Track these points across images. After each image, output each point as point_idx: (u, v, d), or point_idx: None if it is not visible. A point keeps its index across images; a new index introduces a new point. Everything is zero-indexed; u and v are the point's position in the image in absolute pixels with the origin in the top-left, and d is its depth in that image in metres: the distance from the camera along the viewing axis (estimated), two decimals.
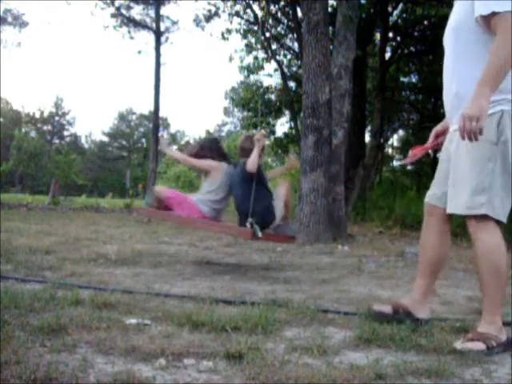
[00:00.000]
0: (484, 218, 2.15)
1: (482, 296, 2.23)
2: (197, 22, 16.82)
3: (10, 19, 21.42)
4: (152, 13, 17.51)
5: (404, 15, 14.49)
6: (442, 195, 2.38)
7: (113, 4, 16.82)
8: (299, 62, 14.39)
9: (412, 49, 15.18)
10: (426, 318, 2.46)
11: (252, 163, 3.95)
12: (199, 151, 4.41)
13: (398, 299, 2.62)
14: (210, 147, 4.46)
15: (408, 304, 2.48)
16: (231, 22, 15.47)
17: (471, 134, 2.01)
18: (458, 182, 2.21)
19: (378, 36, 14.49)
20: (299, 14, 12.61)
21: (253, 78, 17.00)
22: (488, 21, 2.11)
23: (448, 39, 2.33)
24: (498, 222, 2.18)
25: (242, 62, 15.97)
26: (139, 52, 18.33)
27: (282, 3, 14.29)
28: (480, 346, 2.05)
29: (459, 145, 2.21)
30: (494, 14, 2.07)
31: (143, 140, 57.89)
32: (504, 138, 2.13)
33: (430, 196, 2.47)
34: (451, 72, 2.27)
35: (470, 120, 2.00)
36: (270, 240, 4.42)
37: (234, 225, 4.35)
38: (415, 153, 2.65)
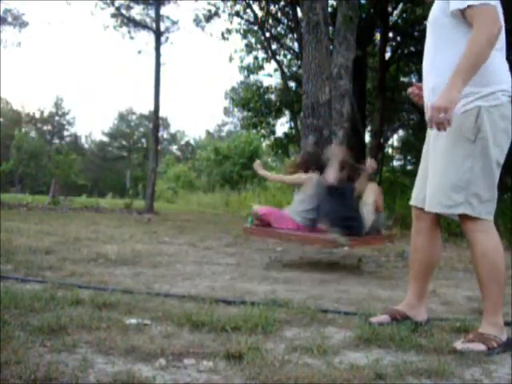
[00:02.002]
0: (479, 217, 2.12)
1: (481, 297, 2.22)
2: (197, 22, 16.81)
3: (10, 19, 21.40)
4: (152, 13, 17.49)
5: (404, 15, 14.48)
6: (425, 197, 2.32)
7: (113, 4, 16.79)
8: (299, 62, 14.39)
9: (412, 49, 15.17)
10: (425, 321, 2.44)
11: (329, 177, 4.41)
12: (301, 164, 4.81)
13: (393, 306, 2.58)
14: (309, 160, 4.83)
15: (404, 309, 2.45)
16: (231, 22, 15.44)
17: (439, 125, 2.00)
18: (435, 179, 2.18)
19: (378, 36, 14.49)
20: (299, 14, 12.61)
21: (253, 77, 17.01)
22: (465, 14, 2.09)
23: (427, 34, 2.30)
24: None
25: (242, 62, 15.98)
26: (139, 52, 18.32)
27: (282, 3, 14.29)
28: (480, 346, 2.04)
29: (436, 141, 2.19)
30: (469, 7, 2.05)
31: (143, 140, 57.86)
32: (482, 135, 2.08)
33: (416, 199, 2.42)
34: (430, 66, 2.24)
35: (439, 111, 1.98)
36: (365, 244, 4.84)
37: (319, 236, 4.40)
38: None
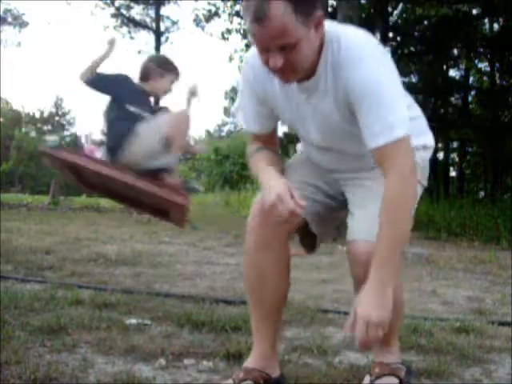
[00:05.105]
0: None
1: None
2: (197, 22, 16.86)
3: (10, 19, 21.44)
4: (152, 13, 17.55)
5: (404, 15, 14.51)
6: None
7: (113, 4, 16.84)
8: None
9: (412, 49, 15.19)
10: (278, 377, 1.62)
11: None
12: None
13: (244, 367, 1.60)
14: None
15: (258, 366, 1.58)
16: (231, 22, 15.47)
17: (369, 343, 1.36)
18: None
19: (378, 36, 14.50)
20: None
21: None
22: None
23: (334, 142, 1.57)
24: None
25: (242, 62, 15.99)
26: (139, 52, 18.37)
27: None
28: (393, 380, 1.57)
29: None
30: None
31: None
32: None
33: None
34: (336, 162, 1.65)
35: (377, 327, 1.32)
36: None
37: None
38: None
